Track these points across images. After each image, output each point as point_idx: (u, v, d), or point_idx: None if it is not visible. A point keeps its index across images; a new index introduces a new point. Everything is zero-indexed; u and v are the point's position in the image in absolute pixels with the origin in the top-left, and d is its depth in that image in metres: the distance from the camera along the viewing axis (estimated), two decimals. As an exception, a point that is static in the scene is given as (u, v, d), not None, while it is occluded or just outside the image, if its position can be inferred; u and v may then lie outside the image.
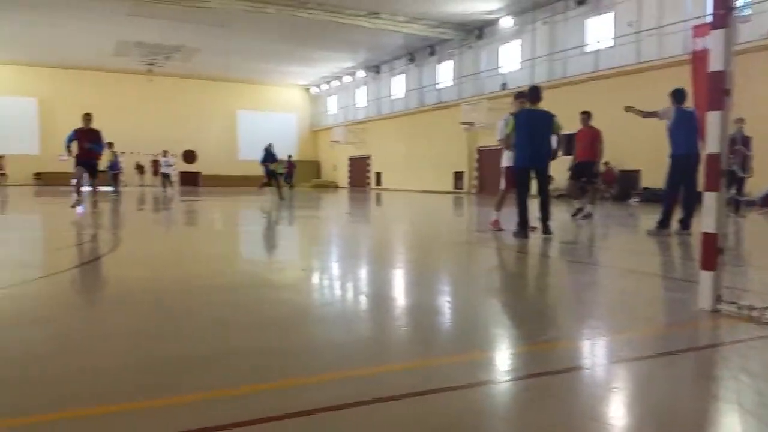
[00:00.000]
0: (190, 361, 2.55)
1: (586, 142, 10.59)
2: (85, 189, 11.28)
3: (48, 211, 14.19)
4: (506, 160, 8.20)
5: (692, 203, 7.75)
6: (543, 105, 7.66)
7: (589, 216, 10.61)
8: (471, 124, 27.20)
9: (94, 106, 36.02)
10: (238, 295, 4.09)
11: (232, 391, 2.19)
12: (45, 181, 33.78)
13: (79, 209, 10.83)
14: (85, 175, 11.05)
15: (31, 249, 6.99)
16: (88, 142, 10.88)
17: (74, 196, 11.01)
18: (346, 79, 39.43)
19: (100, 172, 11.44)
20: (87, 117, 11.10)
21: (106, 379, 2.33)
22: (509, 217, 8.21)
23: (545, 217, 7.52)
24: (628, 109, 8.65)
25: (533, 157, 7.48)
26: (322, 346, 2.89)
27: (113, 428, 1.87)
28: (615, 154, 20.86)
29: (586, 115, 10.78)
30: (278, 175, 19.55)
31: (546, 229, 7.46)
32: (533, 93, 7.64)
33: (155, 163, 31.46)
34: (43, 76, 36.18)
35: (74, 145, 10.90)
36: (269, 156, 18.64)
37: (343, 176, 41.62)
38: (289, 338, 2.96)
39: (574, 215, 10.69)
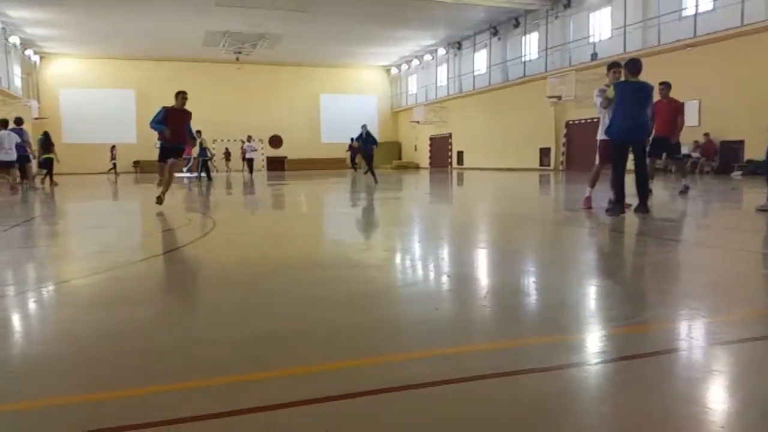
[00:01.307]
0: (283, 337, 2.66)
1: (666, 116, 9.90)
2: (184, 175, 11.16)
3: (147, 197, 15.10)
4: (601, 132, 7.87)
5: None
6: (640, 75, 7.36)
7: (686, 191, 10.08)
8: (558, 97, 26.30)
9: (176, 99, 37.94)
10: (326, 273, 4.20)
11: (325, 366, 2.27)
12: (143, 168, 35.89)
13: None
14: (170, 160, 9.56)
15: (132, 233, 7.49)
16: (184, 123, 9.48)
17: (159, 196, 9.40)
18: (427, 57, 39.10)
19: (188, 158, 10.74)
20: (183, 96, 9.57)
21: (206, 354, 2.48)
22: (602, 195, 7.93)
23: (642, 193, 7.22)
24: None
25: (632, 129, 7.16)
26: (409, 324, 2.93)
27: (213, 400, 1.99)
28: (716, 125, 19.60)
29: (665, 87, 10.09)
30: (371, 157, 18.59)
31: (642, 207, 7.15)
32: (634, 65, 7.27)
33: (242, 150, 32.73)
34: (139, 69, 38.27)
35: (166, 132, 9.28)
36: (361, 137, 18.09)
37: (424, 156, 41.51)
38: (376, 316, 3.02)
39: (682, 192, 10.19)
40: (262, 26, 30.93)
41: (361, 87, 44.13)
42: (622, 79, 7.40)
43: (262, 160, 39.74)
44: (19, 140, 14.98)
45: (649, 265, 4.54)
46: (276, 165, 39.75)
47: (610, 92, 7.32)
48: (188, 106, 9.62)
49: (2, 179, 15.50)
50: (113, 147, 33.54)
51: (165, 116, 9.33)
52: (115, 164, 32.82)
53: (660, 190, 10.67)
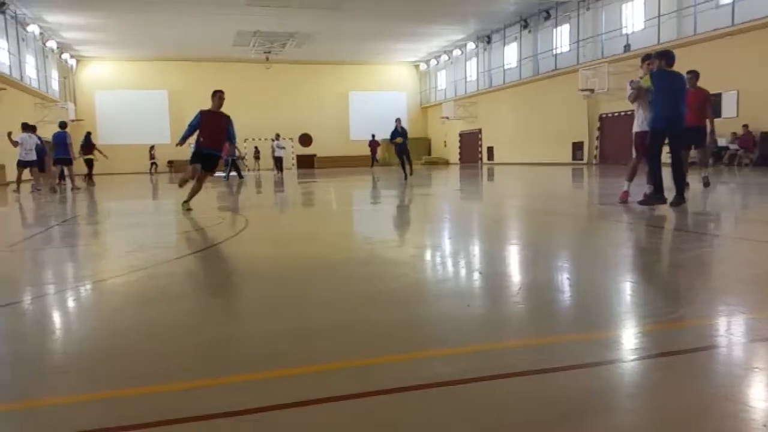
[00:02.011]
0: (316, 333, 2.69)
1: (695, 106, 9.63)
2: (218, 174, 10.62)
3: (181, 197, 15.36)
4: (637, 124, 7.76)
5: None
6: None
7: (707, 183, 9.86)
8: (591, 90, 25.87)
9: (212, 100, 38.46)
10: (358, 271, 4.22)
11: (357, 363, 2.29)
12: (176, 168, 36.51)
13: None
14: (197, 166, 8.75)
15: (167, 231, 7.63)
16: (221, 128, 8.66)
17: (185, 201, 8.83)
18: (456, 52, 38.85)
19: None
20: (220, 96, 8.76)
21: (240, 350, 2.51)
22: (640, 189, 7.79)
23: (679, 185, 7.09)
24: None
25: (672, 119, 7.06)
26: (441, 321, 2.92)
27: (248, 395, 2.02)
28: (756, 116, 19.05)
29: (693, 75, 9.80)
30: (406, 152, 17.70)
31: (679, 198, 7.02)
32: (670, 56, 7.26)
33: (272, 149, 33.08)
34: (171, 70, 38.93)
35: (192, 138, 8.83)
36: (396, 132, 17.40)
37: (453, 152, 41.30)
38: (407, 313, 3.03)
39: (704, 185, 9.96)
40: (292, 25, 31.14)
41: (389, 84, 44.10)
42: (657, 65, 7.30)
43: (293, 158, 40.06)
44: (38, 143, 15.80)
45: (685, 260, 4.44)
46: (306, 163, 40.04)
47: (645, 81, 7.20)
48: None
49: (36, 181, 16.18)
50: (152, 147, 34.25)
51: (200, 120, 8.55)
52: (154, 164, 33.54)
53: (696, 183, 10.42)
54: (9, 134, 16.13)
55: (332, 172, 28.60)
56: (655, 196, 7.01)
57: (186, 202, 8.81)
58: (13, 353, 2.63)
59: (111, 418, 1.87)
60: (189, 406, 1.94)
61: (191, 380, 2.17)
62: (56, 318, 3.29)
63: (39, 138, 16.50)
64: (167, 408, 1.93)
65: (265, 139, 37.17)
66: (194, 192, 8.94)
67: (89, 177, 19.96)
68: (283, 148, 27.68)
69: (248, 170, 33.68)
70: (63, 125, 17.50)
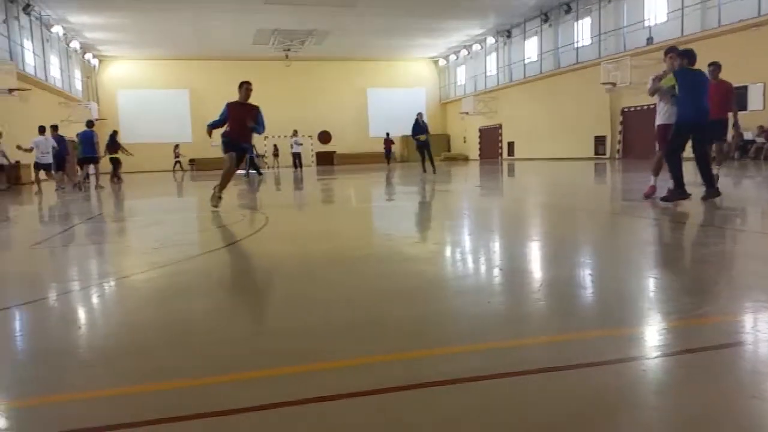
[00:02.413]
0: (336, 329, 2.69)
1: (717, 99, 9.40)
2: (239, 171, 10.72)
3: (203, 194, 15.52)
4: (660, 117, 7.68)
5: None
6: (696, 60, 7.25)
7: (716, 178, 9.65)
8: (613, 84, 25.55)
9: (237, 94, 38.69)
10: (377, 267, 4.23)
11: (379, 358, 2.29)
12: (198, 166, 36.87)
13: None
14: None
15: (188, 229, 7.71)
16: (249, 121, 8.43)
17: (216, 196, 8.61)
18: (475, 47, 38.63)
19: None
20: (247, 87, 8.60)
21: (262, 345, 2.53)
22: (666, 184, 7.69)
23: (708, 179, 7.04)
24: None
25: (696, 116, 7.05)
26: (461, 317, 2.91)
27: (269, 390, 2.03)
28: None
29: (715, 67, 9.57)
30: (427, 147, 17.21)
31: (711, 191, 6.99)
32: (692, 55, 7.25)
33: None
34: (192, 69, 39.28)
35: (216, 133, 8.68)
36: (418, 127, 16.87)
37: (473, 148, 41.10)
38: (428, 309, 3.02)
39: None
40: (310, 22, 31.22)
41: (408, 80, 44.00)
42: (678, 63, 7.24)
43: (312, 155, 40.21)
44: (55, 145, 16.31)
45: (710, 256, 4.37)
46: (325, 160, 40.13)
47: (668, 81, 7.12)
48: None
49: (60, 180, 16.63)
50: (176, 146, 34.66)
51: (227, 112, 8.47)
52: (178, 162, 33.93)
53: (721, 178, 10.23)
54: (18, 147, 16.87)
55: (351, 169, 28.65)
56: (677, 192, 6.94)
57: (218, 193, 8.58)
58: (40, 349, 2.68)
59: (135, 413, 1.89)
60: (212, 401, 1.96)
61: (214, 376, 2.19)
62: (81, 314, 3.34)
63: (60, 137, 16.95)
64: (191, 403, 1.95)
65: (284, 137, 37.35)
66: (221, 186, 8.67)
67: (114, 175, 20.30)
68: (301, 144, 27.79)
69: (268, 167, 33.90)
70: (90, 124, 18.11)
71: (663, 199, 7.05)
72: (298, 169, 26.99)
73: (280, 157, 37.15)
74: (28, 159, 17.36)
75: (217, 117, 8.55)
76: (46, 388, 2.16)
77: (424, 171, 16.40)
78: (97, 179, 17.92)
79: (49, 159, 15.99)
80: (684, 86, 7.06)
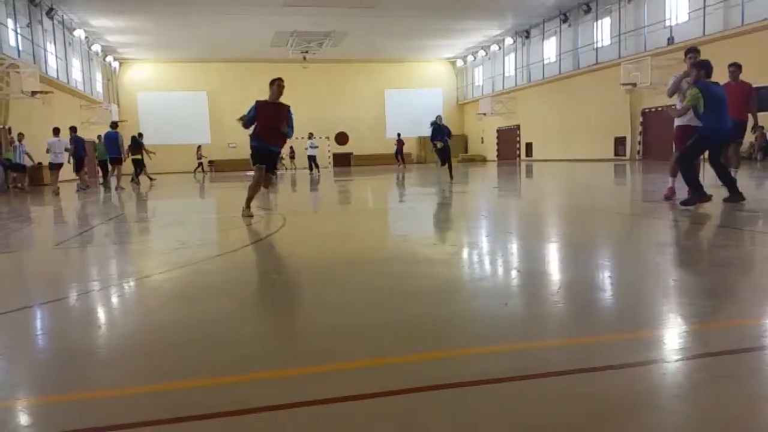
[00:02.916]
0: (354, 330, 2.70)
1: (736, 99, 9.20)
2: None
3: (222, 195, 15.64)
4: (679, 118, 7.61)
5: None
6: (717, 61, 7.16)
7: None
8: (633, 84, 25.27)
9: (255, 96, 38.76)
10: (395, 268, 4.22)
11: (396, 360, 2.29)
12: (217, 167, 37.14)
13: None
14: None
15: (208, 230, 7.77)
16: (282, 125, 7.61)
17: (248, 214, 7.76)
18: (493, 47, 38.46)
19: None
20: (279, 84, 7.77)
21: (279, 345, 2.54)
22: (684, 185, 7.61)
23: (729, 183, 6.97)
24: None
25: (721, 130, 7.02)
26: (479, 319, 2.90)
27: (285, 391, 2.04)
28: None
29: (736, 68, 9.37)
30: (447, 151, 16.15)
31: (735, 196, 6.92)
32: (709, 68, 7.14)
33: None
34: (210, 71, 39.58)
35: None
36: (438, 130, 15.75)
37: (491, 149, 40.90)
38: (445, 311, 3.01)
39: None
40: (328, 24, 31.31)
41: (426, 81, 43.93)
42: (695, 75, 7.12)
43: (329, 156, 40.32)
44: (68, 146, 16.96)
45: (731, 258, 4.30)
46: (342, 161, 40.21)
47: (693, 99, 6.93)
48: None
49: (81, 180, 17.08)
50: (199, 147, 35.02)
51: (256, 111, 7.67)
52: (201, 164, 34.26)
53: (744, 180, 10.08)
54: (29, 156, 18.06)
55: (368, 170, 28.68)
56: (696, 195, 6.84)
57: (247, 207, 7.84)
58: (61, 347, 2.72)
59: (154, 412, 1.91)
60: (232, 400, 1.97)
61: (234, 375, 2.21)
62: (102, 314, 3.39)
63: (79, 139, 17.47)
64: (210, 402, 1.96)
65: (300, 138, 37.54)
66: (253, 194, 7.94)
67: (137, 176, 20.70)
68: (316, 147, 27.84)
69: (285, 169, 34.04)
70: (114, 125, 18.86)
71: (683, 203, 6.96)
72: (314, 171, 27.01)
73: (296, 159, 37.31)
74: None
75: (246, 115, 7.77)
76: (67, 385, 2.19)
77: (451, 178, 15.44)
78: (118, 180, 18.29)
79: (61, 159, 16.69)
80: (710, 102, 6.95)
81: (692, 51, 7.61)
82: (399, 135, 31.47)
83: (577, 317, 2.87)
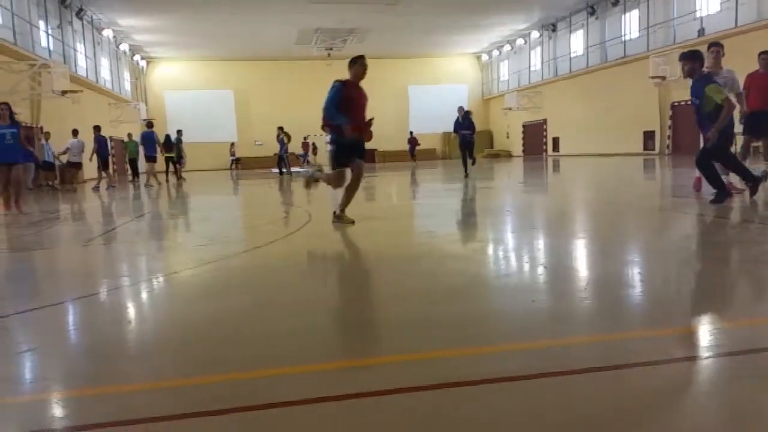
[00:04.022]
0: (379, 326, 2.70)
1: (764, 88, 8.87)
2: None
3: (250, 192, 15.78)
4: None
5: None
6: (750, 54, 7.03)
7: (765, 176, 9.11)
8: (662, 78, 24.81)
9: (280, 94, 39.01)
10: (421, 265, 4.21)
11: (423, 356, 2.28)
12: (243, 165, 37.49)
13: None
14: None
15: (234, 226, 7.85)
16: (364, 107, 6.51)
17: (348, 219, 6.44)
18: (519, 41, 38.07)
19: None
20: (363, 63, 6.43)
21: (310, 340, 2.55)
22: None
23: (741, 172, 6.89)
24: None
25: (731, 126, 6.99)
26: (506, 316, 2.88)
27: (317, 385, 2.05)
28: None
29: (767, 56, 8.98)
30: (470, 146, 15.46)
31: (752, 184, 6.83)
32: (701, 58, 6.99)
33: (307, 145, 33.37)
34: (236, 70, 39.88)
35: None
36: (458, 124, 15.25)
37: (516, 144, 40.55)
38: (471, 307, 2.99)
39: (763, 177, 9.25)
40: (352, 21, 31.34)
41: (450, 76, 43.68)
42: (690, 67, 6.94)
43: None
44: (83, 146, 17.80)
45: (763, 254, 4.19)
46: (366, 158, 40.18)
47: (717, 95, 6.72)
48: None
49: (109, 179, 17.71)
50: (232, 144, 35.39)
51: (341, 95, 6.15)
52: (234, 160, 34.65)
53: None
54: (56, 156, 18.65)
55: (392, 167, 28.67)
56: (721, 193, 6.65)
57: (342, 211, 6.50)
58: (92, 342, 2.77)
59: (184, 405, 1.93)
60: (258, 394, 1.98)
61: (261, 369, 2.22)
62: (131, 309, 3.44)
63: (102, 138, 18.08)
64: (238, 395, 1.98)
65: (322, 135, 37.62)
66: (348, 197, 6.55)
67: (167, 173, 21.17)
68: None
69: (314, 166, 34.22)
70: (150, 125, 19.99)
71: (712, 201, 6.77)
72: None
73: (317, 156, 37.43)
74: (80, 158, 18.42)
75: (330, 101, 6.18)
76: (98, 379, 2.23)
77: (466, 175, 14.80)
78: (148, 178, 18.75)
79: (79, 158, 17.70)
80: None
81: (714, 45, 7.49)
82: (411, 133, 31.88)
83: (606, 314, 2.83)
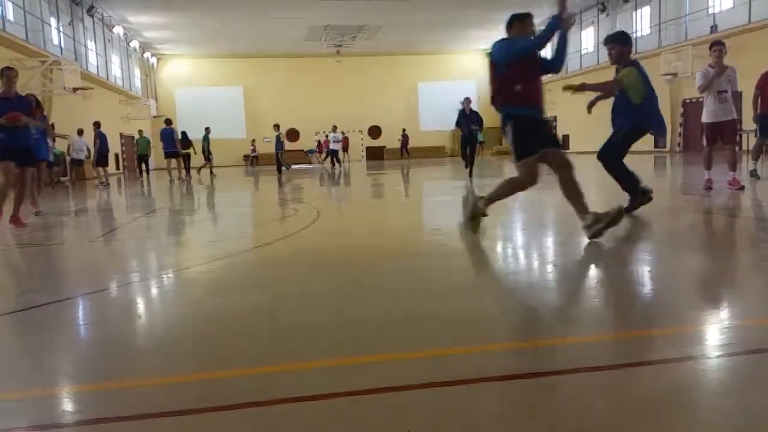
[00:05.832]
0: (386, 323, 2.70)
1: None
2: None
3: (259, 189, 15.82)
4: (706, 115, 7.59)
5: None
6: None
7: (755, 175, 8.98)
8: (674, 74, 24.63)
9: (290, 91, 38.97)
10: (428, 262, 4.20)
11: (430, 353, 2.28)
12: (254, 161, 37.51)
13: None
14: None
15: (245, 222, 7.87)
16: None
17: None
18: (529, 39, 37.87)
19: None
20: (532, 21, 5.43)
21: (312, 337, 2.56)
22: (722, 177, 7.43)
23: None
24: None
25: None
26: (516, 314, 2.87)
27: (324, 380, 2.05)
28: None
29: None
30: (477, 142, 14.30)
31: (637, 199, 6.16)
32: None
33: (323, 142, 33.14)
34: (245, 66, 39.94)
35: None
36: (467, 115, 13.66)
37: (527, 141, 40.32)
38: (480, 305, 2.99)
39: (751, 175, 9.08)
40: (361, 18, 31.30)
41: (459, 72, 43.51)
42: (618, 51, 6.39)
43: (362, 150, 40.44)
44: (88, 145, 18.24)
45: (779, 253, 4.16)
46: (375, 154, 40.25)
47: (625, 75, 6.41)
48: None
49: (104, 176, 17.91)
50: (253, 140, 35.52)
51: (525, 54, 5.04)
52: (254, 156, 34.64)
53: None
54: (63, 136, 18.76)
55: (400, 164, 28.64)
56: (637, 200, 6.10)
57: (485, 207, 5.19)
58: (104, 337, 2.79)
59: (194, 400, 1.94)
60: (269, 389, 1.99)
61: (271, 365, 2.23)
62: (142, 304, 3.46)
63: (102, 134, 18.03)
64: (248, 390, 1.98)
65: (330, 132, 37.63)
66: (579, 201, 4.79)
67: (188, 170, 21.56)
68: (339, 141, 27.24)
69: (319, 162, 34.25)
70: (168, 122, 20.40)
71: (626, 209, 5.89)
72: (336, 165, 25.62)
73: (323, 153, 37.41)
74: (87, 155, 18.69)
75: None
76: (110, 374, 2.25)
77: (470, 174, 13.41)
78: (180, 173, 19.20)
79: (81, 156, 18.12)
80: (647, 84, 6.38)
81: (716, 44, 7.48)
82: (404, 130, 33.26)
83: (616, 312, 2.82)
